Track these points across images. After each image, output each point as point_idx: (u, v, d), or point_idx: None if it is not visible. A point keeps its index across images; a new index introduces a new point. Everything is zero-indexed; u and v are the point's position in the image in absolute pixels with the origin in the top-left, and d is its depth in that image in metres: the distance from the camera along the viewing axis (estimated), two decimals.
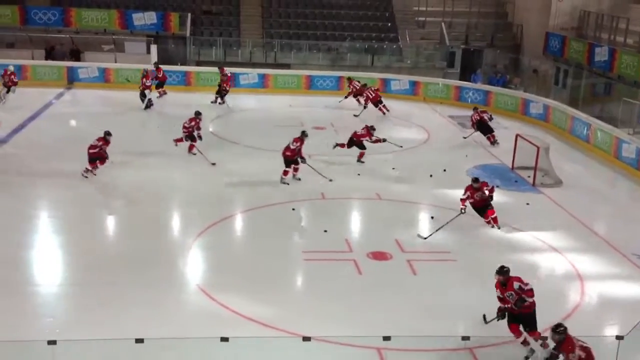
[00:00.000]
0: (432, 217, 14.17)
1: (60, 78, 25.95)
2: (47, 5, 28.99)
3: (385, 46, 29.45)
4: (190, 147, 17.45)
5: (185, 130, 17.25)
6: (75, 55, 27.60)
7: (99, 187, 15.21)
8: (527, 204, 15.40)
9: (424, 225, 13.99)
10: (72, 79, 26.05)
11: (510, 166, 17.82)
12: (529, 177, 16.84)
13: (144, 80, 22.89)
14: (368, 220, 14.46)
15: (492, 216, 13.68)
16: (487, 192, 13.60)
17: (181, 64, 27.57)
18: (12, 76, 22.36)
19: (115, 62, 27.19)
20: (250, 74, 26.73)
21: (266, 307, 10.17)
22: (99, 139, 15.47)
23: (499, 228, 13.55)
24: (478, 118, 20.09)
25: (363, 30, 30.27)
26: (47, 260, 11.68)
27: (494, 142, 19.96)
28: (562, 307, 10.78)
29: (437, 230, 12.93)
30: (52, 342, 7.65)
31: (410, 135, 20.96)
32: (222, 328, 9.19)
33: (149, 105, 23.02)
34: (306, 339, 8.26)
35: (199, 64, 27.95)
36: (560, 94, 25.31)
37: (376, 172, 17.09)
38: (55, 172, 15.92)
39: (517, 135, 17.83)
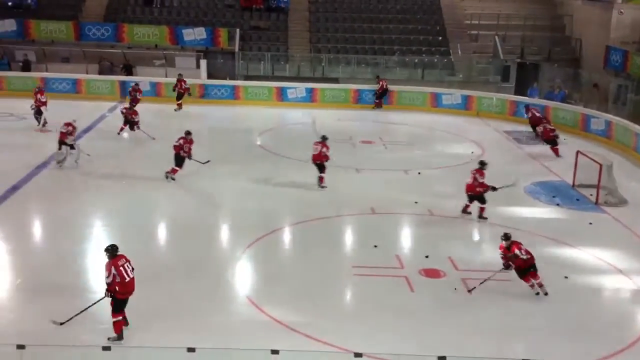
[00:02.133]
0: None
1: (113, 92, 26.29)
2: (100, 22, 29.60)
3: (436, 60, 28.92)
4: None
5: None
6: (128, 70, 27.96)
7: (151, 198, 15.31)
8: (590, 223, 14.62)
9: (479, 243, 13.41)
10: (124, 93, 26.30)
11: (572, 183, 17.01)
12: (591, 195, 16.00)
13: (38, 96, 21.02)
14: (420, 237, 13.99)
15: (537, 281, 11.01)
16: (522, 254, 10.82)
17: (229, 79, 27.64)
18: None
19: (166, 76, 27.43)
20: (298, 88, 26.59)
21: (316, 320, 9.97)
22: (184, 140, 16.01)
23: (545, 294, 11.00)
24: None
25: (413, 44, 29.81)
26: (101, 268, 11.53)
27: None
28: (628, 331, 10.19)
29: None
30: (106, 348, 7.96)
31: (463, 151, 20.33)
32: (272, 340, 8.98)
33: (44, 124, 20.90)
34: (358, 355, 8.00)
35: (247, 78, 28.00)
36: (622, 110, 24.27)
37: (429, 188, 16.55)
38: (109, 182, 16.20)
39: (577, 152, 17.04)
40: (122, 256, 9.41)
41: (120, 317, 9.30)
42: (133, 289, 9.36)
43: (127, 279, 9.26)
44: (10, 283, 11.12)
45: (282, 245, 13.38)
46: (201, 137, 20.55)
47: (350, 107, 26.36)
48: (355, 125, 23.61)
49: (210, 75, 27.68)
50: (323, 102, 26.49)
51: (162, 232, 13.98)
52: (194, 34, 28.43)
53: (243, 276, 11.76)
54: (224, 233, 13.98)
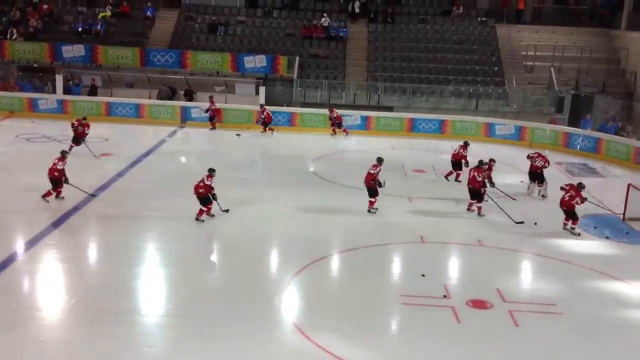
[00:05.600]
0: None
1: (174, 117, 27.36)
2: (165, 48, 30.78)
3: (490, 90, 29.07)
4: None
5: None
6: (189, 96, 29.03)
7: (203, 223, 15.63)
8: None
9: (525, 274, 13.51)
10: (185, 118, 27.41)
11: (622, 217, 16.95)
12: None
13: None
14: (468, 267, 14.11)
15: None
16: None
17: (287, 105, 28.37)
18: None
19: (226, 102, 28.34)
20: (353, 116, 27.13)
21: (363, 350, 10.08)
22: (207, 177, 15.40)
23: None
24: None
25: (468, 74, 30.07)
26: (152, 291, 12.16)
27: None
28: None
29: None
30: None
31: (514, 181, 20.41)
32: None
33: None
34: None
35: (304, 105, 28.66)
36: None
37: (478, 218, 16.71)
38: (164, 206, 16.63)
39: (629, 185, 17.00)
40: None
41: None
42: None
43: None
44: (64, 303, 11.32)
45: (331, 272, 13.54)
46: (256, 163, 21.34)
47: (404, 135, 26.77)
48: (408, 154, 23.97)
49: (268, 102, 28.44)
50: (377, 130, 26.99)
51: (212, 258, 14.19)
52: (255, 61, 29.26)
53: (291, 302, 11.88)
54: (274, 259, 14.15)
